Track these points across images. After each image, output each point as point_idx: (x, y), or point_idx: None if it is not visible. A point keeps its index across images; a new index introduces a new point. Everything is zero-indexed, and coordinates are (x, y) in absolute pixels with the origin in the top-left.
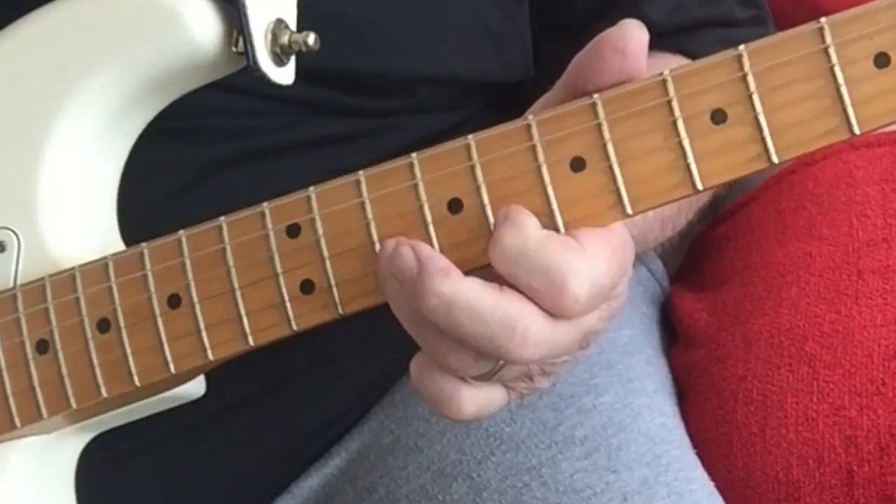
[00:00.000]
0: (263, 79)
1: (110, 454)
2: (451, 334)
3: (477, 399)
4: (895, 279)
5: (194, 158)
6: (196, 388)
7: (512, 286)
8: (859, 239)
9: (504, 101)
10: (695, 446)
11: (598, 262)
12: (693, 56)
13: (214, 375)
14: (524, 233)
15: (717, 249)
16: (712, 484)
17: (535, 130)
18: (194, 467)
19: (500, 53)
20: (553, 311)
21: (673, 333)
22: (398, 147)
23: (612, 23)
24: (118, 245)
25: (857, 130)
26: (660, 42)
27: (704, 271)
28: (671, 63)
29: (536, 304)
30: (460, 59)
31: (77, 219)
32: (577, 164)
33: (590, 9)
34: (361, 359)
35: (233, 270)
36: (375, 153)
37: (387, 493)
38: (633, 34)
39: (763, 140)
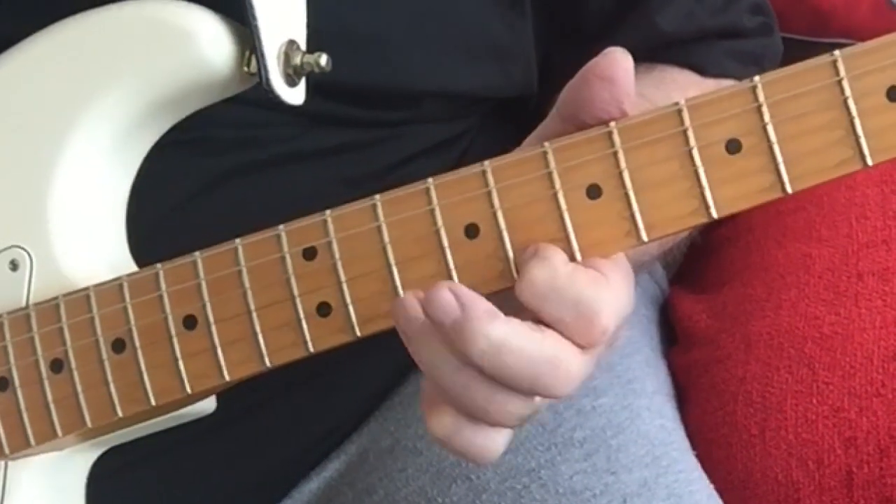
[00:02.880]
0: (276, 99)
1: (114, 464)
2: (495, 376)
3: (505, 439)
4: (894, 281)
5: (201, 169)
6: (208, 404)
7: (538, 319)
8: (859, 241)
9: (507, 113)
10: (694, 447)
11: (621, 295)
12: (701, 70)
13: None
14: (552, 266)
15: (716, 251)
16: (712, 485)
17: (551, 158)
18: (196, 475)
19: (505, 68)
20: (580, 343)
21: (672, 335)
22: (403, 156)
23: (624, 33)
24: (127, 261)
25: (869, 162)
26: (669, 53)
27: (704, 272)
28: (679, 78)
29: (564, 336)
30: (466, 73)
31: (88, 236)
32: (594, 192)
33: (602, 18)
34: (362, 368)
35: (249, 292)
36: (380, 162)
37: (386, 496)
38: (619, 61)
39: (777, 170)
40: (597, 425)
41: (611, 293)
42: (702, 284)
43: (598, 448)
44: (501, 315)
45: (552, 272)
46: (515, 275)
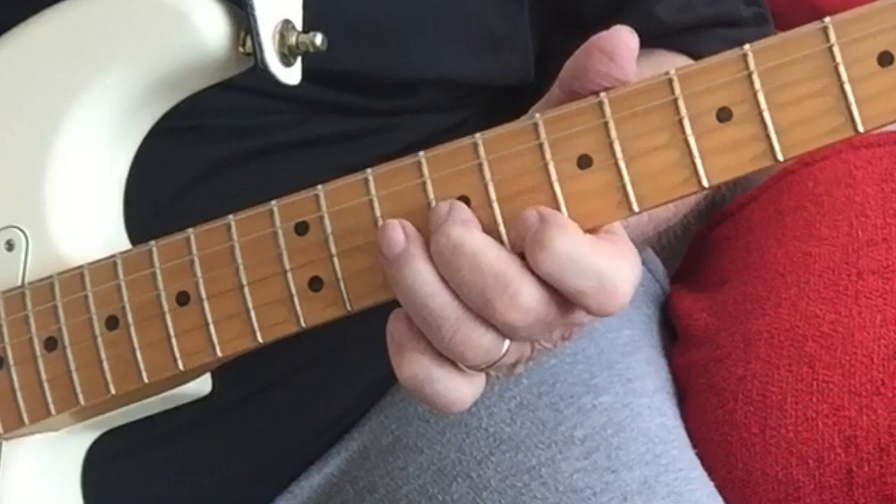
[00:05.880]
0: (271, 79)
1: (113, 451)
2: (448, 278)
3: (473, 390)
4: (895, 279)
5: (199, 157)
6: (202, 386)
7: (554, 289)
8: (859, 239)
9: (504, 102)
10: (695, 446)
11: (636, 266)
12: (697, 57)
13: (216, 374)
14: (572, 237)
15: (717, 250)
16: (712, 484)
17: (542, 129)
18: (195, 465)
19: (502, 56)
20: (598, 313)
21: (673, 333)
22: (401, 145)
23: (622, 21)
24: (124, 243)
25: (861, 128)
26: (666, 41)
27: (704, 271)
28: (676, 63)
29: (582, 306)
30: (463, 61)
31: (84, 217)
32: (584, 162)
33: (600, 7)
34: (362, 358)
35: (241, 268)
36: (379, 151)
37: (387, 493)
38: (622, 39)
39: (768, 138)
40: (597, 423)
41: (627, 264)
42: (702, 283)
43: (598, 446)
44: (475, 226)
45: (573, 242)
46: (506, 242)
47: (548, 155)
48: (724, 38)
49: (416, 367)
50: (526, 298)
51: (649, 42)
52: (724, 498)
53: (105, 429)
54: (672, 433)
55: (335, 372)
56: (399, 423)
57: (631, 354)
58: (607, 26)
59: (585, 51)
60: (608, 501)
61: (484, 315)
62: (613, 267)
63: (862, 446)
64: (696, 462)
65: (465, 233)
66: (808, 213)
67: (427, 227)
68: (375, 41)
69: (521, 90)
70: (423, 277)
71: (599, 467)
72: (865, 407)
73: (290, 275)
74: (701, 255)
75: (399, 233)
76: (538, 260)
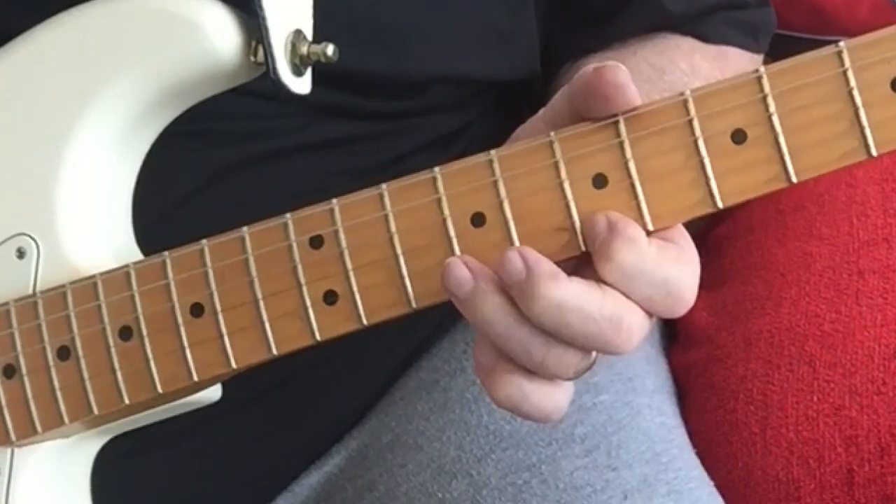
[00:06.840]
0: (283, 89)
1: (118, 453)
2: (559, 335)
3: (567, 395)
4: (895, 279)
5: (206, 161)
6: (213, 392)
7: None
8: (859, 238)
9: (510, 101)
10: (695, 446)
11: (698, 265)
12: (703, 39)
13: None
14: (639, 248)
15: (717, 249)
16: (712, 483)
17: (557, 147)
18: (196, 466)
19: (509, 52)
20: (664, 316)
21: (673, 333)
22: (409, 148)
23: (631, 13)
24: (133, 250)
25: (874, 153)
26: (674, 29)
27: (704, 271)
28: (682, 45)
29: (649, 311)
30: (471, 58)
31: (94, 225)
32: (600, 181)
33: (607, 0)
34: (363, 359)
35: (255, 280)
36: (387, 154)
37: (386, 491)
38: (608, 79)
39: (782, 160)
40: (597, 422)
41: (691, 267)
42: (702, 283)
43: (598, 444)
44: (563, 276)
45: (639, 254)
46: None
47: (563, 173)
48: (728, 19)
49: (508, 388)
50: (637, 325)
51: (656, 30)
52: (725, 497)
53: (114, 434)
54: (672, 432)
55: (338, 374)
56: (399, 421)
57: (631, 353)
58: (615, 17)
59: (583, 90)
60: (608, 499)
61: (603, 352)
62: (678, 273)
63: (862, 446)
64: (696, 461)
65: (561, 288)
66: (808, 212)
67: (440, 243)
68: (381, 41)
69: (526, 90)
70: (501, 310)
71: (599, 465)
72: (866, 406)
73: (304, 288)
74: (701, 254)
75: (463, 270)
76: (604, 271)
